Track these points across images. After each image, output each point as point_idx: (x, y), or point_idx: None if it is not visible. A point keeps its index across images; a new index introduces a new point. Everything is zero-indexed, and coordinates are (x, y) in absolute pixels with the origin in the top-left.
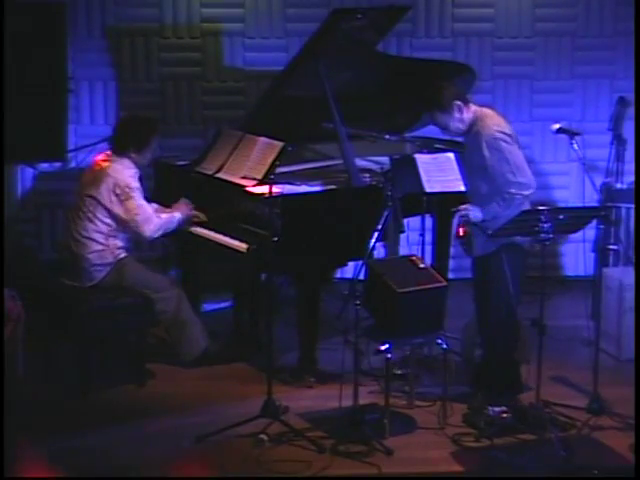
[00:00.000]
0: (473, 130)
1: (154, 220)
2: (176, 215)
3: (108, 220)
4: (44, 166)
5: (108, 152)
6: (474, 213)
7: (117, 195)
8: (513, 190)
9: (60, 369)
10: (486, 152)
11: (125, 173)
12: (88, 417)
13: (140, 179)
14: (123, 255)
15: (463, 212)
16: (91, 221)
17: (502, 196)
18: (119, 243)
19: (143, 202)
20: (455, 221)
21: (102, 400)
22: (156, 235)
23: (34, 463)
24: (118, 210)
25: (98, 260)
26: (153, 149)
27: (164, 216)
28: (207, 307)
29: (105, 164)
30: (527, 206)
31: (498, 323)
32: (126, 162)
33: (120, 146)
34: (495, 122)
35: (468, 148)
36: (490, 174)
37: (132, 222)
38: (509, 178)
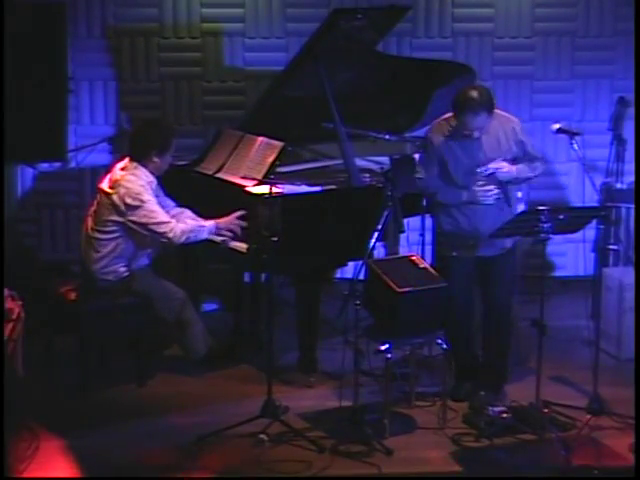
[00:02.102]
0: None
1: (172, 224)
2: (206, 224)
3: (119, 233)
4: (44, 166)
5: (126, 160)
6: (508, 170)
7: (127, 205)
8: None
9: (60, 369)
10: (524, 137)
11: (137, 183)
12: (88, 417)
13: (156, 187)
14: (126, 274)
15: (495, 169)
16: (101, 231)
17: (533, 165)
18: (126, 259)
19: (155, 208)
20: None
21: (102, 400)
22: (181, 240)
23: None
24: (131, 219)
25: (101, 276)
26: (172, 152)
27: (192, 222)
28: (207, 307)
29: (121, 174)
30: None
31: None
32: (141, 172)
33: (141, 152)
34: (507, 114)
35: (478, 141)
36: (529, 154)
37: (150, 231)
38: (537, 154)
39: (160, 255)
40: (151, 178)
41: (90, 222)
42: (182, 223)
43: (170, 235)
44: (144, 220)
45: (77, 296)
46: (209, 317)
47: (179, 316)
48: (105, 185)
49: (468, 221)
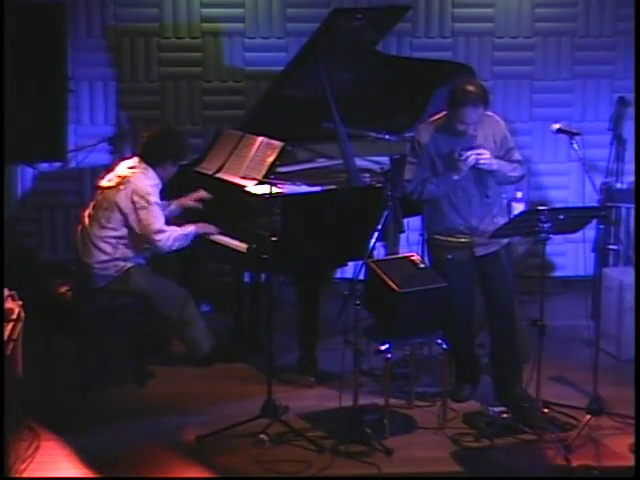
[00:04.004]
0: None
1: (168, 233)
2: (191, 231)
3: (121, 229)
4: (44, 166)
5: (135, 160)
6: (489, 159)
7: (134, 202)
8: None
9: (60, 369)
10: (509, 138)
11: (146, 183)
12: (88, 417)
13: (161, 192)
14: (127, 268)
15: (477, 155)
16: (103, 227)
17: (512, 165)
18: (126, 254)
19: (159, 214)
20: (467, 162)
21: (102, 400)
22: (172, 248)
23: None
24: (132, 218)
25: (100, 271)
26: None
27: (180, 230)
28: (203, 308)
29: (130, 171)
30: None
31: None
32: (151, 173)
33: (156, 157)
34: (493, 114)
35: (470, 141)
36: (510, 155)
37: (145, 233)
38: (518, 157)
39: (160, 256)
40: (158, 181)
41: (89, 218)
42: (172, 230)
43: (161, 244)
44: (145, 223)
45: (74, 295)
46: (209, 317)
47: (181, 315)
48: (108, 182)
49: (459, 215)
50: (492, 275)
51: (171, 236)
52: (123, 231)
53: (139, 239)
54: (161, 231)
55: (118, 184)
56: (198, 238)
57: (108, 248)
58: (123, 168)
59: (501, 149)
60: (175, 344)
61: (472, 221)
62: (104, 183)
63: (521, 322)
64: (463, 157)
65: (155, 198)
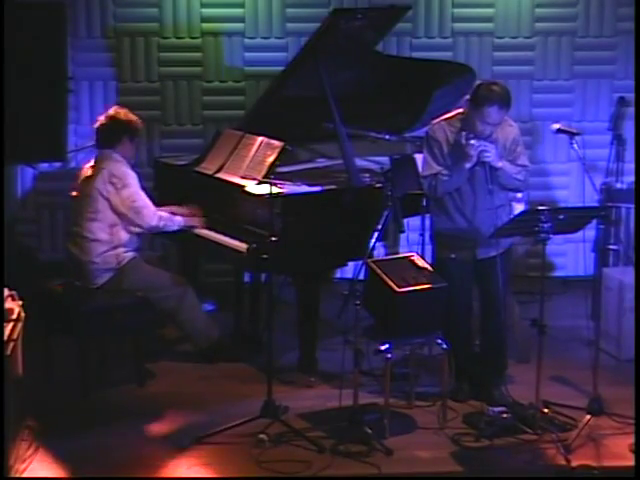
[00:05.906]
0: None
1: (152, 209)
2: (178, 219)
3: (110, 217)
4: (44, 166)
5: (96, 156)
6: (494, 155)
7: (113, 184)
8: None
9: (60, 369)
10: (519, 143)
11: (119, 164)
12: (88, 417)
13: (138, 175)
14: (128, 258)
15: (483, 147)
16: (94, 220)
17: (517, 168)
18: (123, 239)
19: (140, 191)
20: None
21: (102, 400)
22: (159, 226)
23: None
24: (115, 199)
25: (102, 265)
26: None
27: (167, 213)
28: (205, 307)
29: (97, 163)
30: None
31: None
32: (119, 158)
33: (112, 138)
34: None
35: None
36: (517, 159)
37: (129, 211)
38: (525, 162)
39: (160, 255)
40: (129, 165)
41: (77, 217)
42: (156, 209)
43: (148, 220)
44: (129, 201)
45: (66, 294)
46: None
47: (181, 304)
48: (84, 174)
49: (463, 217)
50: (488, 279)
51: (157, 214)
52: (112, 218)
53: (127, 221)
54: (146, 207)
55: (93, 174)
56: (184, 230)
57: (104, 236)
58: (90, 165)
59: (509, 153)
60: (177, 343)
61: (476, 223)
62: (82, 176)
63: (520, 322)
64: (470, 141)
65: (132, 179)
